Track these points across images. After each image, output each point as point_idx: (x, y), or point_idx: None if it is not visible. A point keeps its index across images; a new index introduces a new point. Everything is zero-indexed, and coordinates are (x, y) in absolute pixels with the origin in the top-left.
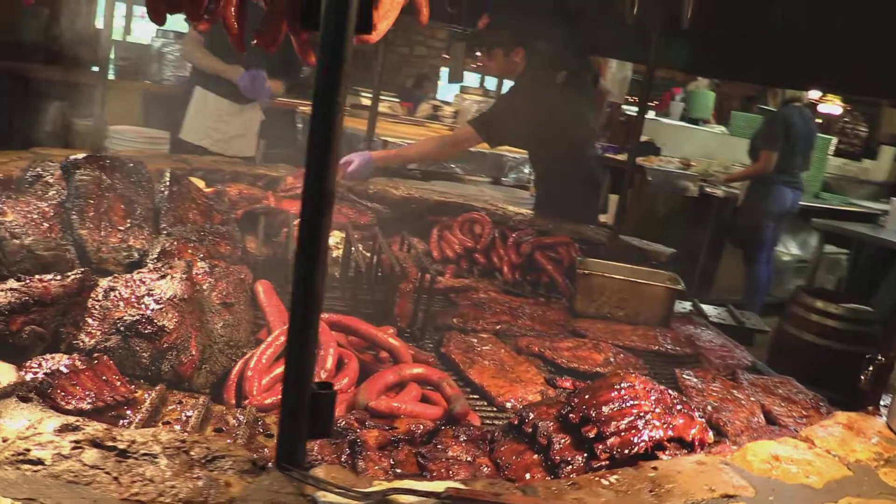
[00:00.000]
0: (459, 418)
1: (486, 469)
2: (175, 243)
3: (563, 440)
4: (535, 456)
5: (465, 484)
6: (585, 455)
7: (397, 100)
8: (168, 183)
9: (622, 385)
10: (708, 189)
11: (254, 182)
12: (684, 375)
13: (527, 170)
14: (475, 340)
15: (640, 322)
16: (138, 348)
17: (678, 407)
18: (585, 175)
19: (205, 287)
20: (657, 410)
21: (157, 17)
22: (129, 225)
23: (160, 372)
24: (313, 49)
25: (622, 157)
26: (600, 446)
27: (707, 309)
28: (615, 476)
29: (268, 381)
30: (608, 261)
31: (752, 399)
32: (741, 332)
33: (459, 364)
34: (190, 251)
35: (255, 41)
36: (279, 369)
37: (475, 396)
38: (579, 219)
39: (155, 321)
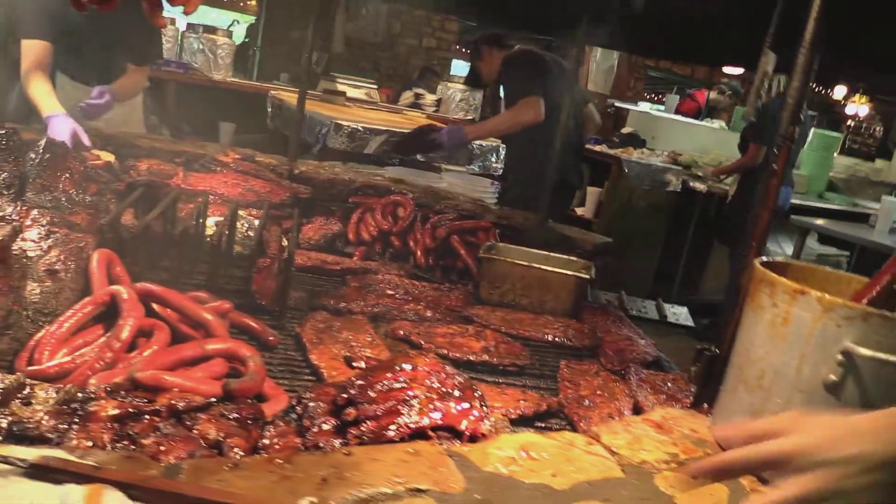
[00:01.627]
0: (236, 395)
1: (237, 450)
2: (23, 210)
3: (325, 423)
4: (297, 439)
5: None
6: (343, 441)
7: (375, 86)
8: (41, 151)
9: (401, 367)
10: (692, 183)
11: (171, 159)
12: (566, 368)
13: (493, 158)
14: (339, 322)
15: (546, 311)
16: None
17: (456, 393)
18: (559, 169)
19: (32, 253)
20: (432, 396)
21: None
22: None
23: None
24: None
25: (601, 148)
26: (353, 431)
27: (638, 303)
28: (297, 458)
29: (60, 349)
30: (526, 248)
31: (628, 395)
32: (668, 327)
33: (306, 344)
34: (35, 218)
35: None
36: (81, 340)
37: (311, 377)
38: (544, 211)
39: None
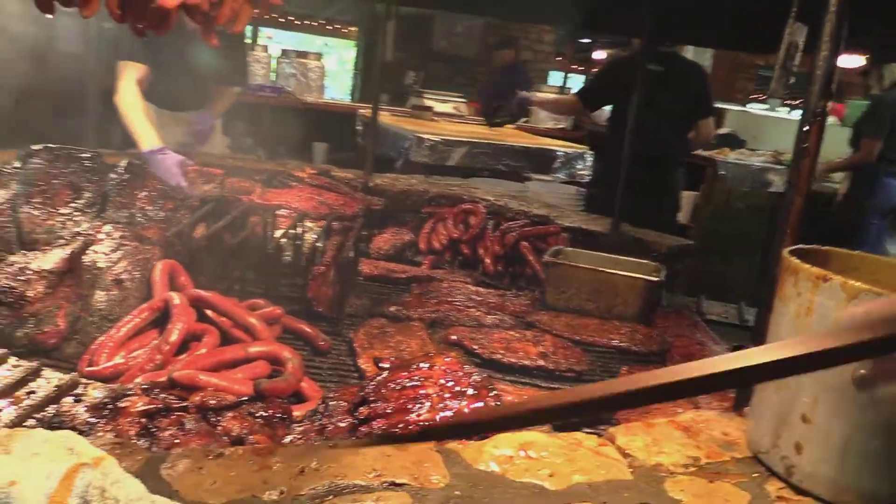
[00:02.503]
0: (266, 395)
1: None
2: (97, 225)
3: (341, 421)
4: (316, 436)
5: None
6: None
7: (463, 100)
8: (122, 172)
9: (417, 366)
10: None
11: (251, 176)
12: (626, 373)
13: (579, 165)
14: (394, 328)
15: (614, 316)
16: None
17: (470, 392)
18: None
19: (102, 265)
20: (444, 395)
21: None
22: (71, 210)
23: (14, 338)
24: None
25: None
26: (363, 429)
27: (719, 307)
28: (283, 450)
29: (119, 352)
30: (596, 252)
31: (688, 400)
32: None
33: (357, 349)
34: (109, 233)
35: (140, 26)
36: (136, 343)
37: (359, 381)
38: (646, 220)
39: (16, 290)
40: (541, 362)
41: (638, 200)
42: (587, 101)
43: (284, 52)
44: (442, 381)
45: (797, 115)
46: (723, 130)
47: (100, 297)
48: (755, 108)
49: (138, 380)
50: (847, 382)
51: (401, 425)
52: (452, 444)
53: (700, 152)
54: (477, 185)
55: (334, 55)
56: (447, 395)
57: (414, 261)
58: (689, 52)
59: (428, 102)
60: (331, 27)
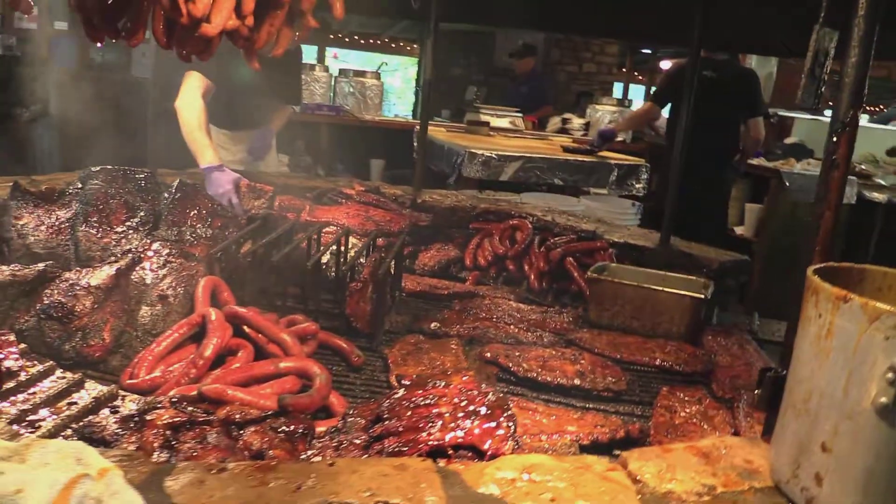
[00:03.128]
0: (290, 410)
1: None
2: (150, 243)
3: (357, 438)
4: (334, 453)
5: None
6: (366, 456)
7: (520, 114)
8: (173, 191)
9: (434, 384)
10: (869, 194)
11: (303, 194)
12: (666, 394)
13: (636, 179)
14: (430, 344)
15: (659, 334)
16: (48, 329)
17: (483, 411)
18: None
19: (149, 281)
20: (457, 414)
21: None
22: (125, 228)
23: (62, 351)
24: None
25: (758, 161)
26: (376, 447)
27: (774, 326)
28: (285, 467)
29: (158, 366)
30: (642, 268)
31: (730, 424)
32: None
33: (391, 365)
34: (157, 250)
35: (184, 52)
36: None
37: None
38: (699, 232)
39: (66, 305)
40: (577, 381)
41: (690, 211)
42: (659, 101)
43: (342, 72)
44: (456, 400)
45: (874, 124)
46: (790, 140)
47: (144, 312)
48: (826, 117)
49: (172, 393)
50: (868, 410)
51: (410, 443)
52: (455, 465)
53: (763, 163)
54: (529, 200)
55: (399, 73)
56: (460, 415)
57: (459, 277)
58: (753, 61)
59: (484, 117)
60: (394, 45)
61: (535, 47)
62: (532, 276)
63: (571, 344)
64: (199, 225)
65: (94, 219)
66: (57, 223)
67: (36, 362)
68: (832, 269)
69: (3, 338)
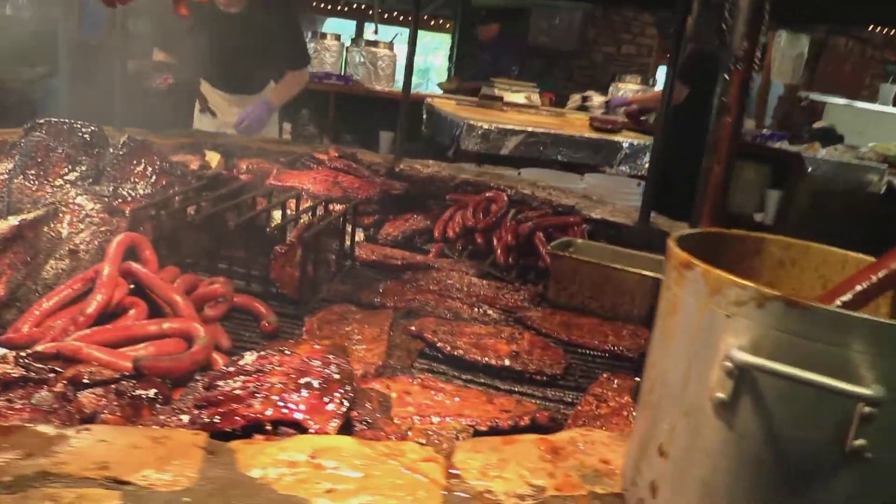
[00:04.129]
0: (146, 373)
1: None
2: (74, 196)
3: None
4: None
5: None
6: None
7: (536, 90)
8: (120, 147)
9: (277, 352)
10: None
11: (276, 158)
12: (603, 381)
13: (645, 159)
14: (360, 315)
15: (620, 316)
16: None
17: (316, 385)
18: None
19: (64, 234)
20: (289, 387)
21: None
22: (63, 182)
23: None
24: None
25: (780, 145)
26: (192, 418)
27: None
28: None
29: (45, 322)
30: (613, 246)
31: None
32: None
33: (304, 334)
34: (81, 204)
35: None
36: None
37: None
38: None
39: None
40: (507, 362)
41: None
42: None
43: (354, 41)
44: (290, 372)
45: None
46: (819, 124)
47: (50, 266)
48: (863, 103)
49: (39, 348)
50: (707, 407)
51: (228, 417)
52: (237, 443)
53: (786, 146)
54: (528, 176)
55: (442, 51)
56: (291, 388)
57: (423, 248)
58: (782, 40)
59: (498, 92)
60: (433, 22)
61: (504, 13)
62: (499, 251)
63: (518, 322)
64: (140, 182)
65: (32, 171)
66: None
67: None
68: (718, 235)
69: None
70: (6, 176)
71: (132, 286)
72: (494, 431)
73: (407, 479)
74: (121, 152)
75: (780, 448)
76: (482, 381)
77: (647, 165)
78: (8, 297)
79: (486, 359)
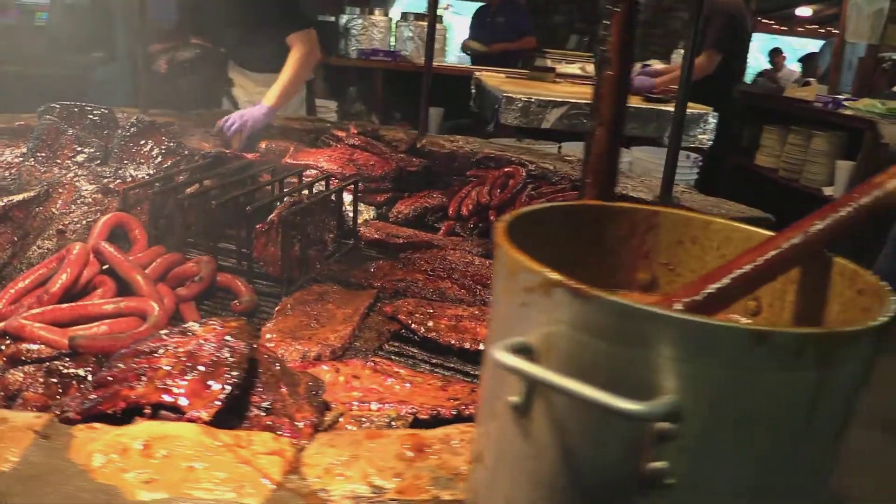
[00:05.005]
0: (81, 352)
1: (30, 404)
2: (70, 177)
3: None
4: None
5: None
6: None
7: (592, 60)
8: (128, 129)
9: (172, 332)
10: None
11: (299, 136)
12: None
13: (698, 129)
14: (339, 295)
15: None
16: None
17: (201, 369)
18: None
19: (56, 214)
20: (177, 369)
21: None
22: (71, 163)
23: None
24: None
25: (853, 111)
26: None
27: None
28: None
29: (17, 299)
30: None
31: None
32: None
33: (275, 314)
34: (77, 184)
35: None
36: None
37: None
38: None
39: None
40: (482, 346)
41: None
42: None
43: (404, 15)
44: (181, 354)
45: None
46: None
47: (38, 246)
48: None
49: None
50: (508, 411)
51: (105, 398)
52: (78, 427)
53: (860, 112)
54: (572, 150)
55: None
56: (177, 370)
57: (434, 227)
58: None
59: (550, 63)
60: None
61: None
62: None
63: None
64: (146, 163)
65: (42, 153)
66: (11, 158)
67: None
68: (601, 209)
69: None
70: (21, 159)
71: (105, 266)
72: (435, 420)
73: (237, 473)
74: (129, 132)
75: (575, 468)
76: (452, 365)
77: (700, 137)
78: None
79: (461, 343)
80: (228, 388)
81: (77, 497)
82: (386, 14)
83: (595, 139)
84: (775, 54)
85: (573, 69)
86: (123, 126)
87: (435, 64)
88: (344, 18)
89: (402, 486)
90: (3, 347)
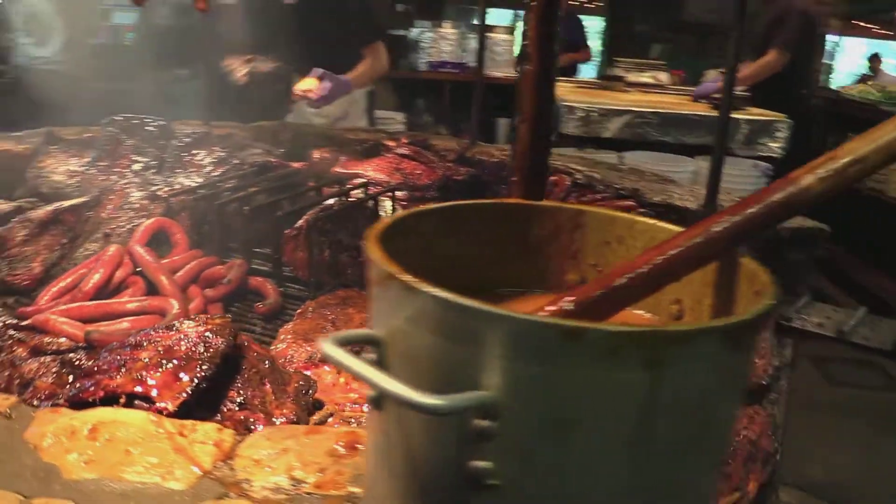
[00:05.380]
0: (95, 346)
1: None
2: (122, 184)
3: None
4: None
5: None
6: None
7: (665, 68)
8: (181, 139)
9: (158, 327)
10: None
11: (352, 146)
12: None
13: (766, 139)
14: (359, 300)
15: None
16: None
17: (175, 362)
18: None
19: (105, 217)
20: (156, 361)
21: None
22: (127, 172)
23: None
24: None
25: None
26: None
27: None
28: None
29: (59, 296)
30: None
31: None
32: (856, 350)
33: (296, 316)
34: (127, 190)
35: None
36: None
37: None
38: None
39: (1, 235)
40: None
41: None
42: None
43: (473, 27)
44: (160, 346)
45: None
46: None
47: (84, 248)
48: None
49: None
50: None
51: (88, 386)
52: (42, 411)
53: None
54: (636, 160)
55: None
56: (153, 362)
57: None
58: None
59: (620, 72)
60: (576, 2)
61: None
62: None
63: None
64: (196, 171)
65: (104, 162)
66: (76, 166)
67: None
68: (526, 208)
69: None
70: (84, 167)
71: (139, 268)
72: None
73: (168, 459)
74: (181, 143)
75: (417, 464)
76: None
77: (771, 145)
78: (43, 275)
79: None
80: (197, 380)
81: (19, 474)
82: (455, 27)
83: (518, 136)
84: (874, 59)
85: (645, 78)
86: (178, 137)
87: (503, 74)
88: (415, 31)
89: (322, 480)
90: (27, 339)
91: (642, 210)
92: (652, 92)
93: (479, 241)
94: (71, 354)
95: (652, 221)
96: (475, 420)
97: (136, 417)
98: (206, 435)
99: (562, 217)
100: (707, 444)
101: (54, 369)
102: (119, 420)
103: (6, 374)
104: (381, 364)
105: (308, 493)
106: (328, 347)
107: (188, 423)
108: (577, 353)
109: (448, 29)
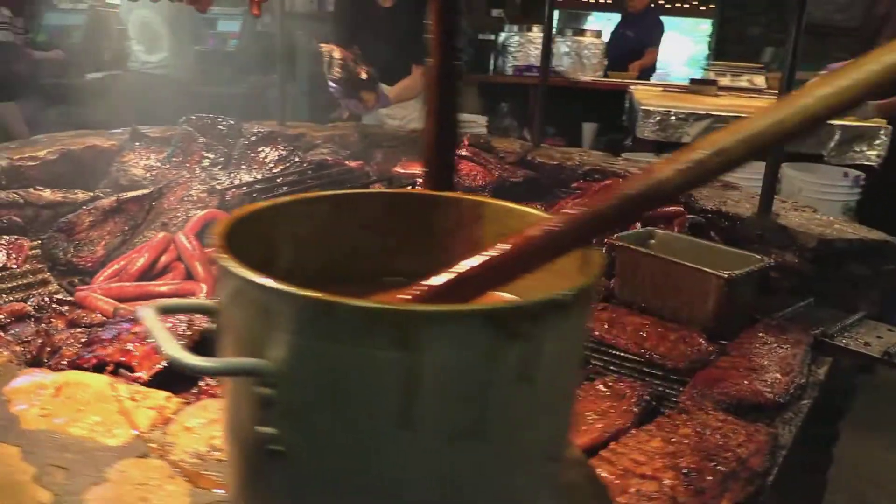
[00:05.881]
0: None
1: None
2: (186, 178)
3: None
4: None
5: None
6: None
7: (762, 72)
8: (248, 138)
9: None
10: None
11: (415, 148)
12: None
13: (862, 147)
14: None
15: (682, 319)
16: (53, 240)
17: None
18: None
19: (166, 208)
20: (138, 336)
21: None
22: (197, 167)
23: (57, 258)
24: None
25: None
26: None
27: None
28: None
29: (112, 277)
30: (700, 239)
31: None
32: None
33: None
34: (188, 184)
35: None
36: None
37: None
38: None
39: (69, 221)
40: None
41: None
42: None
43: (561, 31)
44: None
45: None
46: None
47: (143, 235)
48: None
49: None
50: None
51: (86, 354)
52: (27, 369)
53: None
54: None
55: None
56: (141, 337)
57: None
58: None
59: (713, 75)
60: (686, 4)
61: None
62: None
63: None
64: (259, 168)
65: (178, 158)
66: (154, 161)
67: (27, 265)
68: (426, 197)
69: (18, 241)
70: (160, 162)
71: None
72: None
73: (111, 420)
74: (250, 140)
75: (234, 429)
76: None
77: (868, 153)
78: (105, 258)
79: None
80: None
81: None
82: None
83: (425, 129)
84: None
85: (741, 81)
86: (245, 135)
87: (589, 78)
88: (502, 36)
89: None
90: (67, 313)
91: (690, 216)
92: (745, 96)
93: (380, 230)
94: (98, 329)
95: (542, 215)
96: (257, 387)
97: (97, 381)
98: (154, 402)
99: (463, 208)
100: (490, 433)
101: (82, 340)
102: (83, 382)
103: (39, 341)
104: (216, 332)
105: (218, 461)
106: (142, 312)
107: (143, 389)
108: (335, 328)
109: (536, 33)
